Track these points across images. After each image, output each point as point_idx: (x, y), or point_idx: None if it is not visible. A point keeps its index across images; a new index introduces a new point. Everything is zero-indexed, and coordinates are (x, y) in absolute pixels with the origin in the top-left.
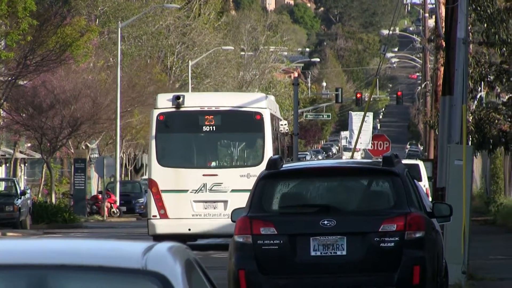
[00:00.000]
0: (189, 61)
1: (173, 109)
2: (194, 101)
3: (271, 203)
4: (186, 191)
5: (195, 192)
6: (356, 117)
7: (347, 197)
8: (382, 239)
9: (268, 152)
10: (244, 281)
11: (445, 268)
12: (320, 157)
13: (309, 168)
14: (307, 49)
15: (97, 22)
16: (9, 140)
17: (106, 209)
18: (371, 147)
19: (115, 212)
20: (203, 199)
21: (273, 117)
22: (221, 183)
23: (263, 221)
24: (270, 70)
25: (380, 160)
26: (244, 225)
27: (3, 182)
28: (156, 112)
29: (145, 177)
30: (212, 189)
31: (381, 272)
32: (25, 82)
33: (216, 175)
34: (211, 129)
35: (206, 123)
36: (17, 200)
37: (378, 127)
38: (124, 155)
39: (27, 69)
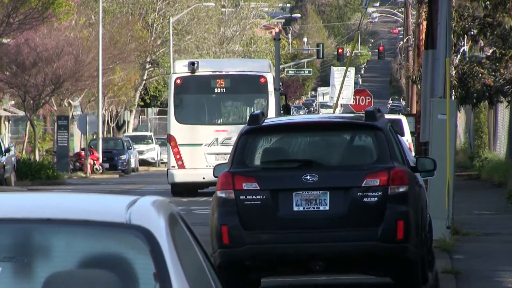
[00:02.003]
0: (170, 18)
1: (189, 74)
2: (206, 66)
3: (253, 159)
4: (200, 144)
5: (208, 146)
6: (337, 72)
7: (330, 152)
8: (365, 194)
9: (271, 110)
10: (227, 236)
11: (429, 223)
12: (301, 112)
13: (291, 123)
14: (288, 5)
15: None
16: None
17: (89, 166)
18: (353, 102)
19: (98, 169)
20: (215, 151)
21: (273, 80)
22: (231, 138)
23: (245, 176)
24: (251, 26)
25: (363, 114)
26: (226, 180)
27: None
28: (174, 76)
29: (127, 134)
30: (223, 142)
31: (364, 227)
32: (8, 40)
33: (226, 130)
34: (222, 91)
35: (217, 85)
36: (2, 157)
37: (360, 82)
38: (106, 112)
39: (10, 27)
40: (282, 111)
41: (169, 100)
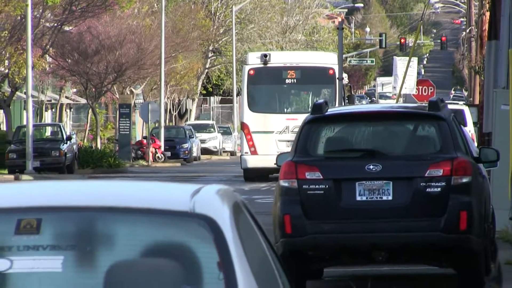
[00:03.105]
0: (233, 7)
1: (261, 65)
2: (278, 58)
3: (316, 148)
4: (272, 132)
5: (279, 133)
6: (400, 62)
7: (393, 141)
8: (428, 184)
9: (339, 101)
10: (289, 225)
11: (492, 214)
12: (364, 102)
13: (354, 112)
14: None
15: None
16: (55, 85)
17: (151, 154)
18: (416, 92)
19: (160, 157)
20: (286, 139)
21: (340, 71)
22: None
23: (308, 166)
24: (314, 15)
25: (426, 104)
26: (289, 169)
27: (49, 127)
28: (247, 68)
29: (189, 122)
30: (293, 130)
31: (427, 217)
32: (70, 28)
33: (296, 119)
34: (292, 82)
35: (288, 76)
36: (63, 145)
37: (422, 73)
38: (169, 100)
39: (72, 14)
40: (347, 101)
41: (243, 90)
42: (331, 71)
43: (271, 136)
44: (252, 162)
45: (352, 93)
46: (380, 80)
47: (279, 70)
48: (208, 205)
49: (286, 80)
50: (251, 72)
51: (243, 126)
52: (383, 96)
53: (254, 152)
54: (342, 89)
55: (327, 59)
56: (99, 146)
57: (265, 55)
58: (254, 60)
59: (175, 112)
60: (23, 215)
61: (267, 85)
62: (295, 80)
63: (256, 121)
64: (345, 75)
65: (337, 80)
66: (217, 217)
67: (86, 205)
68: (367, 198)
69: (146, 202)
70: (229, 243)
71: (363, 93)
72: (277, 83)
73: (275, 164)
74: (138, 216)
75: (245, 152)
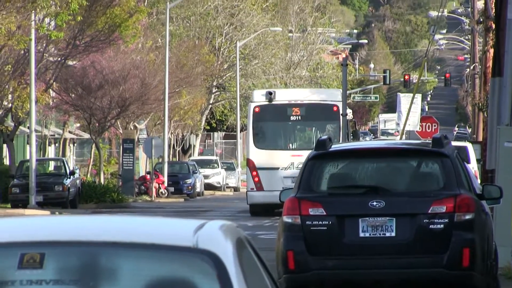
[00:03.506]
0: (237, 42)
1: (266, 102)
2: (283, 96)
3: (319, 184)
4: (277, 168)
5: (284, 169)
6: (404, 98)
7: (396, 178)
8: (432, 221)
9: (343, 137)
10: (292, 261)
11: (495, 251)
12: (367, 138)
13: (358, 149)
14: (355, 31)
15: (145, 3)
16: (59, 120)
17: (154, 189)
18: (420, 129)
19: (163, 192)
20: (291, 175)
21: (344, 108)
22: None
23: (312, 202)
24: (318, 51)
25: (429, 141)
26: (293, 205)
27: (53, 162)
28: (252, 105)
29: (193, 158)
30: (298, 167)
31: (430, 254)
32: (74, 62)
33: (301, 155)
34: (297, 119)
35: (293, 113)
36: (66, 180)
37: (426, 109)
38: (172, 135)
39: (76, 49)
40: (351, 137)
41: (248, 126)
42: (335, 108)
43: (277, 172)
44: (258, 198)
45: (357, 128)
46: (383, 116)
47: (284, 107)
48: (211, 240)
49: (291, 117)
50: (256, 109)
51: (249, 162)
52: (385, 133)
53: (259, 188)
54: (346, 125)
55: (331, 96)
56: (102, 181)
57: (270, 93)
58: (259, 97)
59: (179, 147)
60: (26, 250)
61: (272, 122)
62: (299, 117)
63: (261, 158)
64: (349, 111)
65: (341, 117)
66: (221, 253)
67: (89, 239)
68: (370, 234)
69: (150, 237)
70: (232, 279)
71: (367, 130)
72: (282, 120)
73: (280, 201)
74: (142, 251)
75: (251, 188)
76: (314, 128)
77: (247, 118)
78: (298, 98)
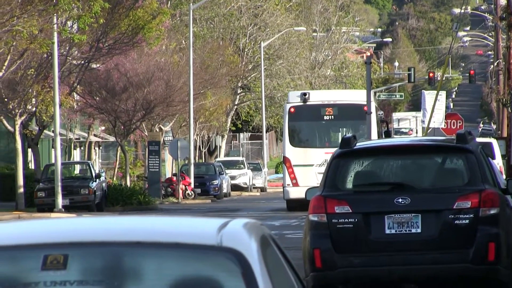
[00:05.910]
0: (261, 43)
1: (301, 103)
2: (316, 97)
3: (345, 182)
4: (312, 165)
5: (318, 166)
6: (429, 96)
7: (421, 174)
8: (457, 216)
9: (373, 136)
10: (319, 259)
11: None
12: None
13: (383, 146)
14: (379, 29)
15: (168, 5)
16: (83, 123)
17: (180, 191)
18: (444, 126)
19: (190, 194)
20: None
21: (376, 108)
22: None
23: (337, 200)
24: (343, 50)
25: (453, 137)
26: (319, 204)
27: (78, 165)
28: (288, 106)
29: (219, 159)
30: None
31: (456, 249)
32: (98, 65)
33: None
34: (330, 118)
35: (326, 113)
36: (92, 183)
37: (451, 106)
38: (198, 137)
39: (99, 52)
40: (384, 137)
41: (284, 126)
42: (365, 108)
43: (311, 169)
44: (294, 193)
45: (389, 128)
46: (396, 115)
47: (318, 108)
48: (235, 238)
49: (324, 116)
50: (292, 109)
51: (285, 160)
52: (398, 132)
53: (295, 184)
54: (370, 123)
55: (361, 97)
56: (128, 183)
57: (305, 94)
58: (294, 98)
59: (205, 148)
60: (49, 251)
61: (307, 122)
62: (332, 116)
63: (297, 155)
64: (381, 112)
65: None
66: (245, 251)
67: (113, 240)
68: (396, 231)
69: (173, 236)
70: (257, 277)
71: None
72: (316, 120)
73: (306, 199)
74: (166, 250)
75: (287, 184)
76: (346, 127)
77: (283, 118)
78: (331, 99)
